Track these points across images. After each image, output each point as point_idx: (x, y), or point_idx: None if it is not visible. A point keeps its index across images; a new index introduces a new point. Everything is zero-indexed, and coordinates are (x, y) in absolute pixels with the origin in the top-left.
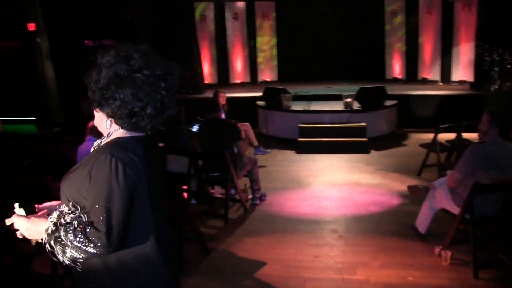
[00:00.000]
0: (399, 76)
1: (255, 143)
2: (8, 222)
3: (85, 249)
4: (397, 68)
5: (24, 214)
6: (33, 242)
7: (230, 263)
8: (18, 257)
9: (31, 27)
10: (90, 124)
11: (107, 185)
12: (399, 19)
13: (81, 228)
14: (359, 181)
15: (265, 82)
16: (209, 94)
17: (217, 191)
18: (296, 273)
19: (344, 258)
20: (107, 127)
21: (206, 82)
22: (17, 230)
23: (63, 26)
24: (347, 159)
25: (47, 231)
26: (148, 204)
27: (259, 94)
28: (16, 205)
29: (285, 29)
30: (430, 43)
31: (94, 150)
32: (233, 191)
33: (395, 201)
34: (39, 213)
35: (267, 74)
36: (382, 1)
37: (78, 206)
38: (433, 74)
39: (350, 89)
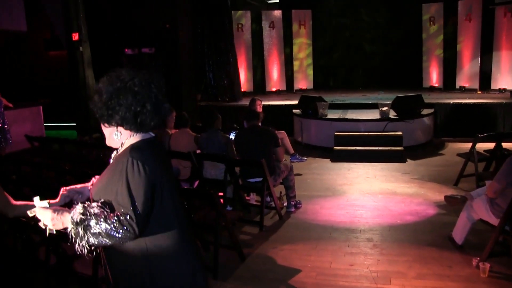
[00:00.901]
0: (436, 84)
1: (291, 151)
2: (30, 213)
3: (115, 235)
4: (434, 76)
5: (48, 206)
6: (49, 232)
7: (265, 270)
8: (62, 257)
9: (75, 36)
10: None
11: (132, 181)
12: (437, 26)
13: (114, 216)
14: (394, 190)
15: (301, 90)
16: (245, 102)
17: (253, 198)
18: (331, 281)
19: (379, 267)
20: (117, 139)
21: (242, 90)
22: (39, 220)
23: (104, 35)
24: (382, 168)
25: (74, 220)
26: (168, 196)
27: (295, 102)
28: (37, 198)
29: (321, 37)
30: (469, 50)
31: (113, 160)
32: (268, 199)
33: (431, 211)
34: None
35: (303, 82)
36: (419, 9)
37: (106, 202)
38: (472, 82)
39: (386, 98)
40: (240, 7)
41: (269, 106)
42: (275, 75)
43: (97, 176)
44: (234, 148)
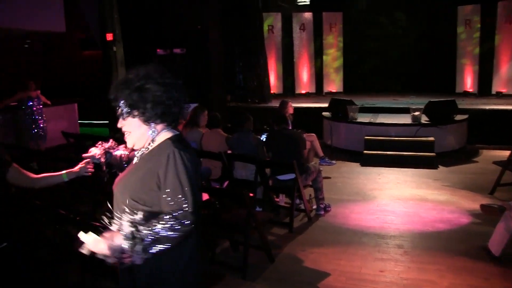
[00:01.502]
0: (471, 90)
1: (321, 154)
2: (87, 251)
3: (173, 234)
4: (468, 81)
5: (97, 237)
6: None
7: (294, 272)
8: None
9: (109, 37)
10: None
11: (181, 172)
12: (473, 29)
13: (164, 216)
14: (426, 196)
15: (330, 93)
16: (274, 103)
17: (282, 200)
18: (360, 286)
19: (409, 275)
20: (153, 135)
21: (272, 91)
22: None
23: (137, 36)
24: (413, 173)
25: (128, 237)
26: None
27: (324, 105)
28: (81, 234)
29: (352, 40)
30: (507, 54)
31: (142, 156)
32: (298, 201)
33: (464, 219)
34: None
35: (332, 85)
36: (454, 11)
37: (141, 202)
38: (510, 87)
39: (417, 102)
40: (271, 9)
41: (298, 108)
42: (304, 78)
43: (102, 143)
44: (265, 150)
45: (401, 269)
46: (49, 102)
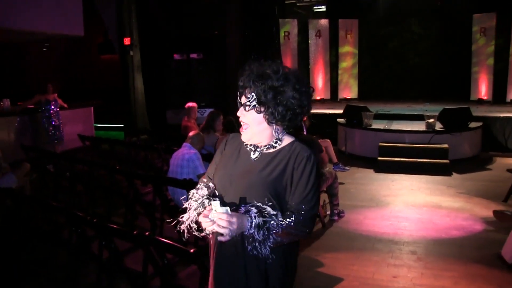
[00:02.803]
0: (485, 97)
1: (335, 159)
2: (204, 221)
3: (297, 233)
4: (483, 89)
5: (229, 211)
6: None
7: (308, 277)
8: (114, 252)
9: (127, 41)
10: (190, 133)
11: (315, 178)
12: (488, 37)
13: (294, 213)
14: (439, 203)
15: (345, 99)
16: None
17: None
18: None
19: (423, 281)
20: (276, 135)
21: None
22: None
23: (154, 41)
24: (427, 180)
25: (255, 223)
26: None
27: (339, 111)
28: (216, 202)
29: (368, 47)
30: None
31: (265, 153)
32: None
33: (478, 226)
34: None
35: (347, 91)
36: (470, 20)
37: (271, 196)
38: None
39: (432, 109)
40: (287, 15)
41: (313, 114)
42: (320, 84)
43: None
44: None
45: (415, 275)
46: (66, 105)
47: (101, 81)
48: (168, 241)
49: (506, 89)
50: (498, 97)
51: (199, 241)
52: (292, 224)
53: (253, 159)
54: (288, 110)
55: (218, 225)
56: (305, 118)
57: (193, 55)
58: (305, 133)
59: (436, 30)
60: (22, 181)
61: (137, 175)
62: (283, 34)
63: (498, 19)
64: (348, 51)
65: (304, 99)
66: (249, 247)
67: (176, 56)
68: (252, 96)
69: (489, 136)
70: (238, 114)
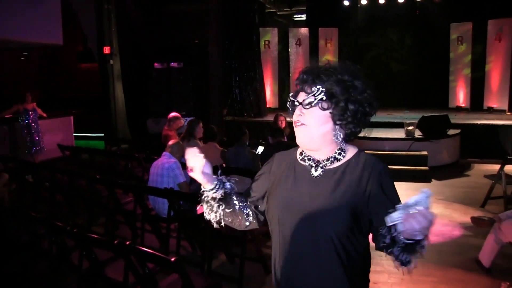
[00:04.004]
0: (463, 105)
1: None
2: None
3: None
4: (461, 96)
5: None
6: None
7: None
8: (94, 262)
9: (106, 50)
10: (170, 142)
11: (395, 189)
12: (465, 46)
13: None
14: None
15: None
16: (270, 117)
17: None
18: None
19: (403, 287)
20: (337, 140)
21: (268, 105)
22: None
23: (134, 49)
24: (407, 187)
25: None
26: None
27: None
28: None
29: (348, 55)
30: (498, 70)
31: (330, 169)
32: None
33: (457, 232)
34: None
35: None
36: (447, 28)
37: (355, 223)
38: (500, 103)
39: (411, 117)
40: (267, 24)
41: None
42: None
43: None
44: (261, 164)
45: (395, 281)
46: (45, 115)
47: (81, 90)
48: (149, 250)
49: (483, 96)
50: (475, 105)
51: (181, 250)
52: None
53: (316, 176)
54: (360, 107)
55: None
56: (284, 125)
57: (174, 64)
58: (285, 139)
59: (414, 38)
60: (1, 191)
61: (118, 184)
62: (263, 43)
63: (474, 28)
64: (329, 59)
65: (374, 100)
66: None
67: (156, 65)
68: (319, 89)
69: (467, 143)
70: (294, 116)
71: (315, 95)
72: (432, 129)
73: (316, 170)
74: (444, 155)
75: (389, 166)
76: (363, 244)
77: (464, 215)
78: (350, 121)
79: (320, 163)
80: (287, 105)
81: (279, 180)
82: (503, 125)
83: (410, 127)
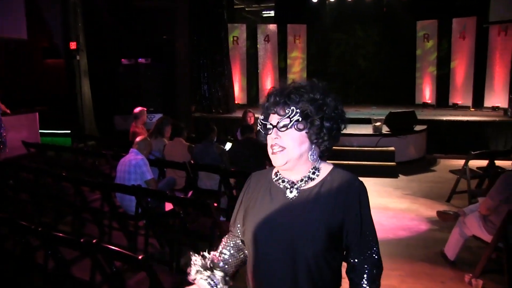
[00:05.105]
0: (429, 101)
1: None
2: None
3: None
4: (427, 93)
5: None
6: None
7: None
8: (60, 261)
9: (73, 45)
10: (137, 139)
11: (369, 206)
12: (431, 43)
13: (370, 261)
14: (387, 205)
15: None
16: (239, 114)
17: None
18: None
19: None
20: (311, 159)
21: (236, 102)
22: None
23: (101, 45)
24: (375, 182)
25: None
26: None
27: None
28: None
29: (316, 52)
30: (463, 68)
31: (304, 189)
32: None
33: (423, 226)
34: None
35: None
36: (414, 26)
37: (330, 243)
38: (465, 99)
39: (379, 113)
40: (236, 20)
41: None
42: (268, 88)
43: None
44: (229, 160)
45: None
46: (8, 111)
47: (46, 87)
48: (116, 248)
49: (449, 93)
50: (441, 101)
51: (149, 247)
52: (375, 273)
53: (291, 198)
54: (334, 124)
55: None
56: (252, 121)
57: (142, 60)
58: (254, 136)
59: (382, 36)
60: None
61: (85, 181)
62: (232, 39)
63: (439, 26)
64: (297, 55)
65: (344, 112)
66: None
67: (124, 61)
68: (293, 110)
69: (434, 139)
70: (271, 138)
71: (290, 117)
72: (399, 125)
73: (291, 192)
74: (411, 151)
75: (357, 162)
76: (337, 258)
77: (430, 210)
78: (326, 139)
79: (295, 184)
80: (258, 128)
81: (255, 200)
82: (468, 121)
83: (378, 123)
